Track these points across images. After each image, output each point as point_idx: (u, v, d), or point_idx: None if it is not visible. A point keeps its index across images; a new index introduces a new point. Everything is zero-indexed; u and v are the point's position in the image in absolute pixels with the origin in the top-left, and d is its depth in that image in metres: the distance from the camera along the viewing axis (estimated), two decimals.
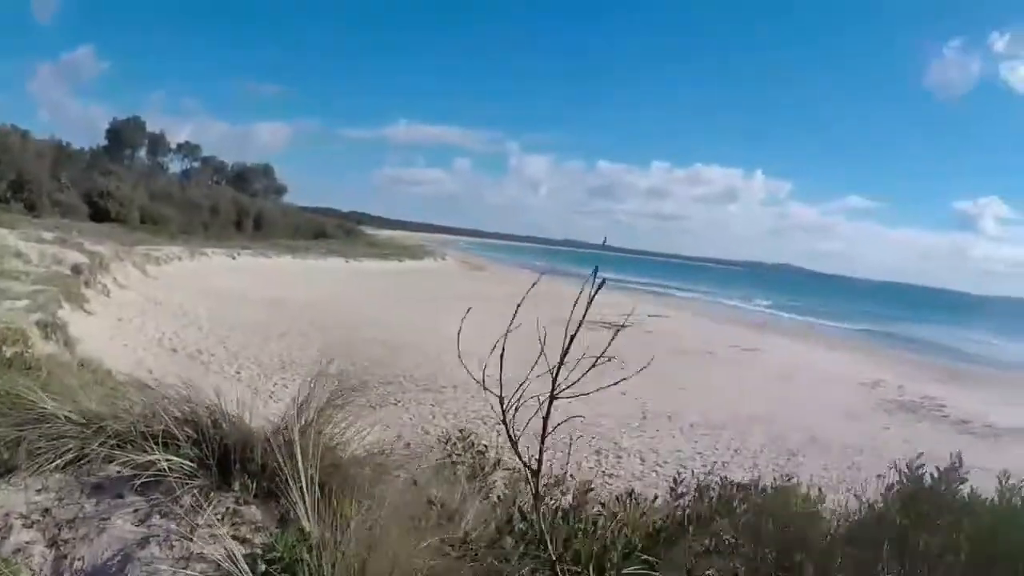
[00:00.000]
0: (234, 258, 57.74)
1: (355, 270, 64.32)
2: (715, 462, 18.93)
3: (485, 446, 7.09)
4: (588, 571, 3.74)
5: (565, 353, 3.08)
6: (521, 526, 3.86)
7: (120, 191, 70.91)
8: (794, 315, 79.95)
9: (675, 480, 6.38)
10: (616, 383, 3.21)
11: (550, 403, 3.03)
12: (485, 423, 20.66)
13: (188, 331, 28.23)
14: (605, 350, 3.06)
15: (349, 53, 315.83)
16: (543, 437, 3.13)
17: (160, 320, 29.52)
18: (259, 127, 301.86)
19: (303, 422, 3.79)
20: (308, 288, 44.55)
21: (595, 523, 4.07)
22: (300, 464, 3.49)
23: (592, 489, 6.49)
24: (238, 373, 23.13)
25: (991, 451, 22.30)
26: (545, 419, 3.09)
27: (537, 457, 3.24)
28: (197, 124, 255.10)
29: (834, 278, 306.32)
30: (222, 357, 25.06)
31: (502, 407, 3.16)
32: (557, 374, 3.06)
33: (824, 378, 35.19)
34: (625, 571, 3.82)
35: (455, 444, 6.82)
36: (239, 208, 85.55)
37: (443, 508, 3.51)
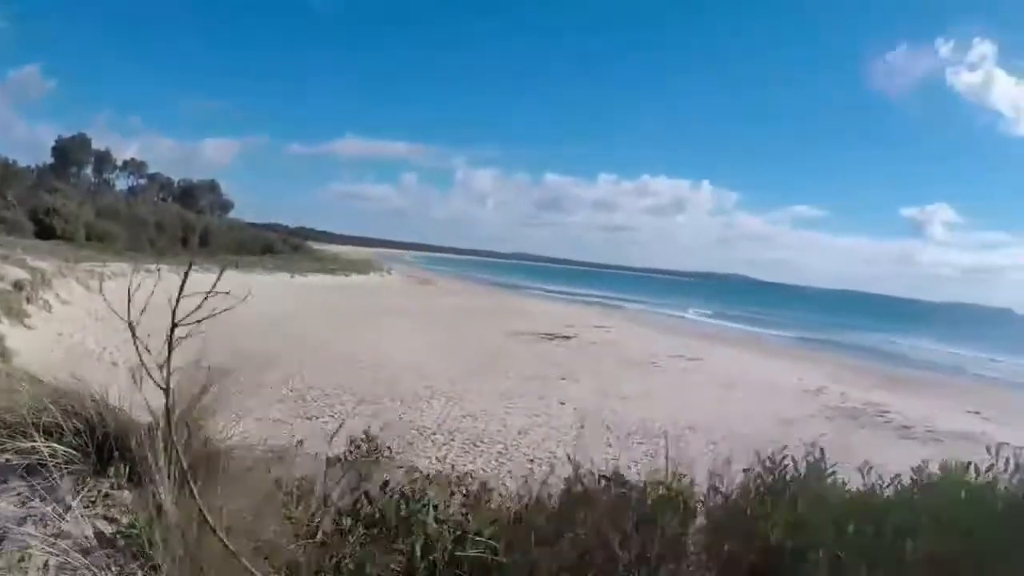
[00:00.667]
0: (179, 274, 57.14)
1: (300, 285, 64.20)
2: (649, 470, 19.15)
3: (389, 448, 7.38)
4: (416, 551, 4.02)
5: (180, 290, 3.66)
6: (368, 509, 4.15)
7: (66, 208, 70.48)
8: (740, 324, 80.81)
9: (569, 479, 6.71)
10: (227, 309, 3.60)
11: (172, 331, 3.41)
12: (421, 433, 20.97)
13: (129, 346, 28.10)
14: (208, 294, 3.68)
15: (296, 69, 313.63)
16: (168, 357, 3.51)
17: (101, 335, 29.43)
18: (206, 143, 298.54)
19: (177, 414, 4.07)
20: (251, 303, 44.18)
21: (435, 507, 4.34)
22: (162, 452, 3.80)
23: (492, 489, 6.82)
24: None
25: (933, 456, 22.71)
26: (169, 344, 3.46)
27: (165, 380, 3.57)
28: (144, 141, 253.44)
29: (782, 287, 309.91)
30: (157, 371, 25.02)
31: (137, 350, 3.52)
32: (176, 304, 3.41)
33: (767, 387, 35.55)
34: (458, 552, 4.11)
35: (359, 446, 7.08)
36: (185, 224, 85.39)
37: (295, 493, 3.78)
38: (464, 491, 6.00)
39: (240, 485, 3.84)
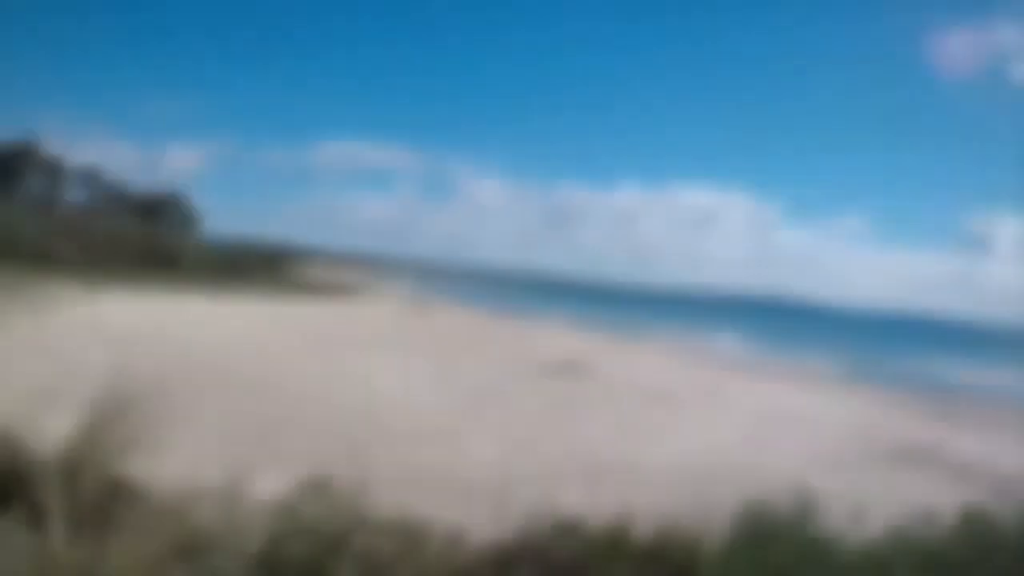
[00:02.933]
0: (133, 303, 56.09)
1: (271, 322, 60.52)
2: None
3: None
4: None
5: None
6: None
7: (8, 225, 70.48)
8: (776, 351, 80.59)
9: None
10: None
11: None
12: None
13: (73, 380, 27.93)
14: None
15: (272, 61, 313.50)
16: None
17: (41, 367, 29.35)
18: (171, 147, 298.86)
19: (79, 453, 4.19)
20: (207, 351, 42.93)
21: None
22: (59, 493, 3.91)
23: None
24: None
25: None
26: None
27: None
28: (100, 147, 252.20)
29: (823, 307, 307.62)
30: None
31: None
32: None
33: (806, 423, 35.54)
34: None
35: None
36: (146, 243, 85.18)
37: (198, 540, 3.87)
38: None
39: (149, 530, 3.91)
